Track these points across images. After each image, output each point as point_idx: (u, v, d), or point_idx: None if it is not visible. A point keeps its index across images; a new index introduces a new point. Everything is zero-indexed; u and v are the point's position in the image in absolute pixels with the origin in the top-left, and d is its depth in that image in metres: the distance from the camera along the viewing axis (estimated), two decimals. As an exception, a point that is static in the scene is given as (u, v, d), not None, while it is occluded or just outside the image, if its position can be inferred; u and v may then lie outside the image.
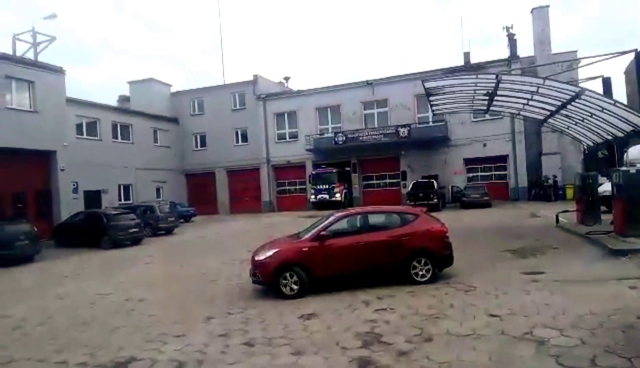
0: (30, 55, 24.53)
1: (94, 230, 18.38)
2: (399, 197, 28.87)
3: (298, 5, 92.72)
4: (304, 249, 8.35)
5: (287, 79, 40.55)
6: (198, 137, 36.72)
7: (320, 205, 28.85)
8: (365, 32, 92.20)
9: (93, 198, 26.93)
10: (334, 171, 29.91)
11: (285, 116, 33.92)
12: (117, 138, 30.40)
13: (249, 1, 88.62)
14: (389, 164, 30.78)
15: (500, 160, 28.61)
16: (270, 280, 8.30)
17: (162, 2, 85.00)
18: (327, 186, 29.30)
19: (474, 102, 15.73)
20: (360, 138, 29.79)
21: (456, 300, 7.32)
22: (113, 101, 37.14)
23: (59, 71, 23.06)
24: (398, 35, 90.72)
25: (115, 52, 78.15)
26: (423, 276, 8.45)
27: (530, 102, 13.83)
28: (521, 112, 16.53)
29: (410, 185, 26.19)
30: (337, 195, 29.08)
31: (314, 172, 30.77)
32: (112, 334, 6.70)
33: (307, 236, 8.68)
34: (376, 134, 29.49)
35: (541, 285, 8.03)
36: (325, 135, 31.82)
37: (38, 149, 21.46)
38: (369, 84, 31.02)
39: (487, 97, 14.24)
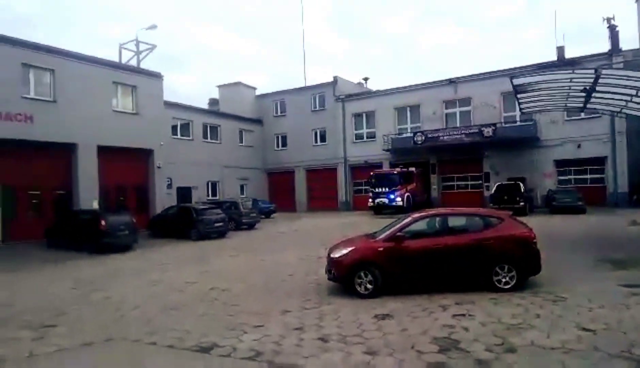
0: (134, 62, 27.11)
1: (184, 223, 19.79)
2: (481, 200, 27.53)
3: (378, 5, 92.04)
4: (379, 249, 8.30)
5: (366, 79, 40.54)
6: (279, 137, 38.03)
7: (379, 210, 27.27)
8: (448, 29, 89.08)
9: (185, 193, 29.04)
10: (395, 172, 27.80)
11: (364, 116, 33.91)
12: (207, 138, 32.52)
13: (331, 4, 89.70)
14: (470, 165, 29.46)
15: (597, 162, 26.08)
16: (345, 278, 8.37)
17: (248, 11, 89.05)
18: (388, 189, 26.96)
19: (569, 99, 14.50)
20: (441, 137, 28.84)
21: (543, 311, 6.84)
22: (204, 104, 39.76)
23: (157, 76, 25.18)
24: (484, 31, 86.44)
25: (207, 58, 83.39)
26: (506, 283, 8.00)
27: (635, 99, 12.44)
28: (623, 110, 14.91)
29: (494, 187, 24.81)
30: (398, 199, 26.50)
31: (373, 173, 28.63)
32: (198, 320, 7.18)
33: (383, 236, 8.61)
34: (458, 134, 28.36)
35: (643, 299, 7.24)
36: (404, 135, 31.28)
37: (138, 148, 23.62)
38: (451, 82, 29.96)
39: (583, 94, 13.06)
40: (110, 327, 7.03)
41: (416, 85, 31.74)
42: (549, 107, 17.40)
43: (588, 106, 14.63)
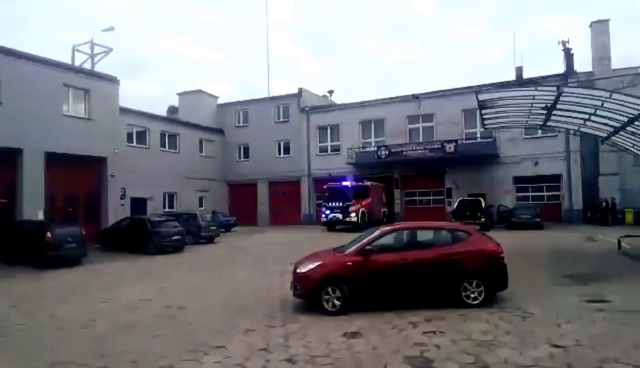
0: (88, 66, 25.82)
1: (138, 236, 18.77)
2: (443, 215, 27.92)
3: (343, 18, 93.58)
4: (348, 263, 8.02)
5: (331, 92, 40.66)
6: (242, 148, 37.27)
7: (332, 226, 26.28)
8: (411, 47, 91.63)
9: (139, 204, 27.71)
10: (349, 185, 26.67)
11: (328, 129, 33.89)
12: (164, 146, 31.30)
13: (296, 14, 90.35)
14: (433, 180, 29.94)
15: (553, 180, 27.18)
16: (311, 294, 8.01)
17: (213, 21, 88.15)
18: (341, 204, 25.59)
19: (530, 117, 14.94)
20: (404, 152, 29.19)
21: (513, 327, 6.75)
22: (163, 112, 38.48)
23: (113, 81, 24.06)
24: (445, 51, 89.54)
25: (170, 66, 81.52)
26: (475, 299, 7.90)
27: (593, 118, 12.94)
28: (581, 129, 15.54)
29: (456, 203, 25.25)
30: (352, 215, 25.16)
31: (326, 186, 27.48)
32: (154, 341, 6.59)
33: (351, 250, 8.34)
34: (421, 149, 28.80)
35: (608, 314, 7.33)
36: (368, 149, 31.46)
37: (90, 155, 22.34)
38: (415, 98, 30.49)
39: (544, 112, 13.46)
40: (56, 349, 6.35)
41: (381, 99, 32.10)
42: (511, 124, 17.92)
43: (548, 123, 15.13)
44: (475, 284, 7.92)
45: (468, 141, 28.56)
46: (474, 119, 28.75)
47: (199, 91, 37.86)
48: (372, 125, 32.35)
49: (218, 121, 37.74)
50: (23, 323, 7.80)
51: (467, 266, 7.92)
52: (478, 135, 28.57)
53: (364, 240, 8.40)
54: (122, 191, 25.48)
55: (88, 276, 13.38)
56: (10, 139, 18.52)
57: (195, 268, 14.50)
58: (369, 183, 27.64)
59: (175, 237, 19.17)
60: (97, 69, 25.83)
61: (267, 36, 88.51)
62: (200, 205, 32.95)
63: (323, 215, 26.55)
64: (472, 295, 7.91)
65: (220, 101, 39.16)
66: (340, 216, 25.63)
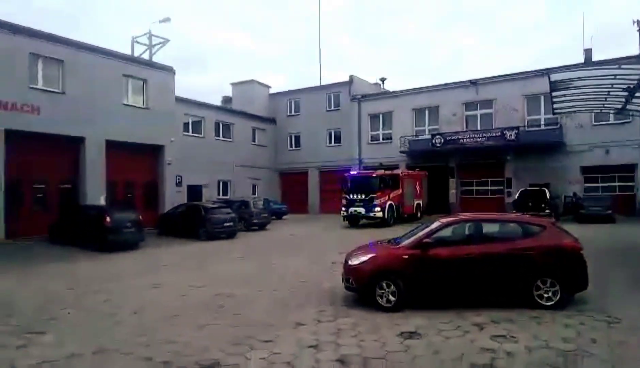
0: (147, 57, 26.51)
1: (192, 222, 19.06)
2: (502, 205, 26.37)
3: (395, 5, 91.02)
4: (403, 256, 7.40)
5: (383, 80, 39.54)
6: (293, 137, 37.24)
7: (355, 221, 23.31)
8: (465, 34, 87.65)
9: (195, 191, 28.37)
10: (373, 175, 23.27)
11: (380, 117, 32.95)
12: (219, 135, 31.87)
13: (349, 3, 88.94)
14: (492, 170, 28.28)
15: (626, 169, 24.78)
16: (364, 288, 7.48)
17: (266, 13, 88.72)
18: (365, 196, 22.42)
19: (607, 100, 13.41)
20: (461, 140, 27.75)
21: (598, 334, 5.87)
22: (218, 102, 39.17)
23: (169, 70, 24.57)
24: (502, 37, 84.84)
25: (224, 58, 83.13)
26: (549, 299, 7.05)
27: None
28: (667, 113, 13.79)
29: (518, 193, 23.66)
30: (377, 209, 21.97)
31: (347, 175, 24.18)
32: (199, 331, 6.36)
33: (407, 242, 7.72)
34: (479, 137, 27.25)
35: None
36: (421, 137, 30.26)
37: (148, 144, 23.00)
38: (472, 83, 28.87)
39: (625, 94, 11.99)
40: (103, 335, 6.25)
41: (436, 86, 30.71)
42: (584, 108, 16.27)
43: (628, 107, 13.52)
44: (549, 283, 7.05)
45: (531, 129, 26.69)
46: (538, 105, 26.87)
47: (252, 81, 38.11)
48: (426, 113, 31.04)
49: (270, 110, 37.91)
50: (76, 307, 7.88)
51: (541, 262, 7.07)
52: (542, 122, 26.61)
53: (422, 232, 7.74)
54: (178, 179, 26.12)
55: (143, 260, 13.64)
56: (73, 127, 19.34)
57: (246, 255, 14.41)
58: (399, 171, 25.17)
59: (228, 224, 19.30)
60: (155, 60, 26.47)
61: (319, 25, 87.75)
62: (253, 193, 33.29)
63: (343, 209, 23.34)
64: (546, 295, 7.06)
65: (272, 90, 39.30)
66: (362, 210, 22.45)
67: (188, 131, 29.25)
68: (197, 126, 30.13)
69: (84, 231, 16.01)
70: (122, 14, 77.19)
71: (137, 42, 26.73)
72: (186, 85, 61.83)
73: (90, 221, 16.00)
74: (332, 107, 35.15)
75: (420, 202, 26.70)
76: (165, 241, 18.24)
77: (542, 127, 26.64)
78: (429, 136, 29.31)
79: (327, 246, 15.62)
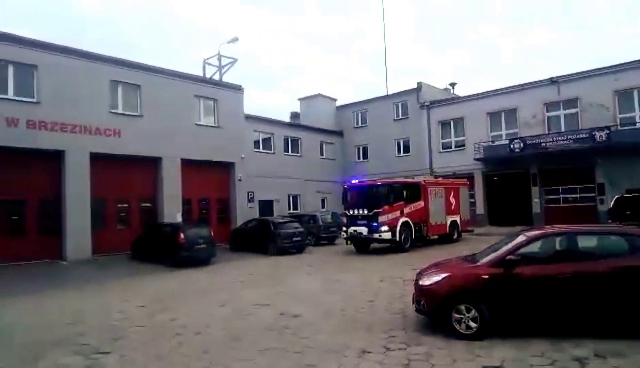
0: (217, 77, 27.61)
1: (262, 237, 19.19)
2: (593, 215, 23.77)
3: (462, 8, 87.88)
4: (483, 276, 6.56)
5: (453, 85, 37.97)
6: (360, 148, 36.80)
7: (361, 246, 18.54)
8: (537, 32, 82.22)
9: (267, 206, 28.80)
10: (379, 184, 18.07)
11: (451, 123, 31.43)
12: (288, 151, 32.26)
13: (414, 12, 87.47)
14: (579, 175, 25.65)
15: None
16: (437, 312, 6.72)
17: (331, 27, 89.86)
18: (367, 212, 17.47)
19: None
20: (542, 144, 25.48)
21: None
22: (286, 117, 39.93)
23: (238, 89, 25.31)
24: (578, 33, 78.41)
25: (288, 74, 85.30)
26: (668, 329, 5.84)
27: None
28: None
29: (613, 201, 21.11)
30: (384, 229, 16.94)
31: (346, 185, 19.33)
32: (261, 356, 6.02)
33: (487, 259, 6.86)
34: (563, 140, 24.86)
35: None
36: (498, 142, 28.33)
37: (220, 161, 23.73)
38: (553, 82, 26.58)
39: None
40: (165, 357, 6.13)
41: (511, 87, 28.69)
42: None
43: None
44: (667, 310, 5.86)
45: (624, 128, 23.89)
46: (631, 101, 24.04)
47: (318, 95, 38.35)
48: (502, 116, 29.06)
49: (337, 123, 37.84)
50: (144, 325, 7.94)
51: (655, 284, 5.91)
52: (637, 119, 23.75)
53: (505, 248, 6.84)
54: (250, 194, 26.65)
55: (213, 277, 13.78)
56: (151, 148, 20.41)
57: (314, 270, 14.07)
58: (421, 179, 20.38)
59: (297, 238, 19.19)
60: (225, 79, 27.49)
61: (384, 35, 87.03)
62: (322, 206, 33.16)
63: (344, 228, 18.90)
64: (664, 324, 5.87)
65: (339, 103, 39.27)
66: (363, 230, 17.51)
67: (258, 148, 29.96)
68: (266, 142, 30.80)
69: (160, 248, 16.64)
70: (194, 38, 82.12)
71: (208, 64, 27.95)
72: (257, 104, 63.93)
73: (166, 238, 16.61)
74: (400, 116, 34.25)
75: (457, 219, 21.24)
76: (236, 256, 18.48)
77: (638, 125, 23.75)
78: (506, 141, 27.33)
79: (399, 263, 14.84)
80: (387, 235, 16.99)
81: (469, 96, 31.60)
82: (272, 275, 13.45)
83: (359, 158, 36.73)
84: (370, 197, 17.75)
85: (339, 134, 37.30)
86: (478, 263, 6.92)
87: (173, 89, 21.58)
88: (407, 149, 33.83)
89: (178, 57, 75.28)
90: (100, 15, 74.22)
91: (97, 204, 18.94)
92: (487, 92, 29.93)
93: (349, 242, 18.52)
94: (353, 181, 19.21)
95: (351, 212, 18.23)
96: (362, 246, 18.51)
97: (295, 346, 6.40)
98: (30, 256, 16.78)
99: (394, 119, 34.45)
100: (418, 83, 33.21)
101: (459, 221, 21.24)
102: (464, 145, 30.25)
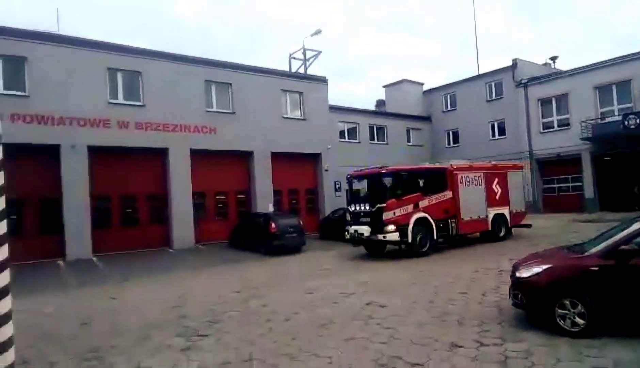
0: (302, 71, 28.17)
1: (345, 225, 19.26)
2: None
3: (568, -27, 79.37)
4: (592, 268, 5.87)
5: (553, 59, 34.55)
6: (451, 133, 35.28)
7: (373, 247, 15.34)
8: (667, -14, 71.26)
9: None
10: (383, 173, 14.45)
11: (553, 101, 28.70)
12: (373, 139, 32.09)
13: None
14: None
15: None
16: (538, 307, 6.17)
17: (417, 10, 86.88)
18: (368, 207, 14.45)
19: None
20: (665, 118, 22.30)
21: None
22: (371, 106, 39.55)
23: (322, 81, 25.56)
24: None
25: (373, 61, 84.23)
26: None
27: None
28: None
29: None
30: (390, 228, 13.58)
31: (350, 175, 16.19)
32: (345, 346, 6.01)
33: (596, 249, 6.12)
34: (694, 112, 21.53)
35: None
36: (609, 119, 25.30)
37: (307, 153, 24.25)
38: (679, 45, 23.02)
39: None
40: (255, 342, 6.40)
41: (624, 57, 25.37)
42: None
43: None
44: None
45: None
46: None
47: (404, 81, 37.41)
48: (613, 89, 25.86)
49: (424, 108, 36.66)
50: (238, 310, 8.38)
51: None
52: None
53: (618, 237, 6.05)
54: (337, 184, 26.90)
55: (303, 264, 14.16)
56: (243, 142, 21.48)
57: (402, 259, 13.76)
58: (449, 164, 16.16)
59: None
60: (310, 72, 27.96)
61: (474, 12, 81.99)
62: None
63: (347, 227, 15.55)
64: None
65: (425, 87, 37.92)
66: (365, 230, 14.27)
67: (344, 138, 30.14)
68: (352, 132, 30.86)
69: (254, 237, 17.50)
70: (280, 34, 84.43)
71: (294, 58, 28.59)
72: (341, 92, 64.09)
73: (259, 227, 17.41)
74: (494, 97, 32.15)
75: (506, 211, 17.24)
76: (324, 245, 18.80)
77: None
78: (619, 117, 24.34)
79: (492, 252, 13.99)
80: (394, 236, 13.62)
81: (573, 70, 28.57)
82: (358, 264, 13.46)
83: (449, 144, 35.29)
84: (374, 189, 14.94)
85: (427, 119, 36.10)
86: (585, 254, 6.22)
87: (261, 85, 22.42)
88: (502, 131, 31.73)
89: (265, 54, 78.11)
90: (190, 18, 79.46)
91: (198, 197, 20.46)
92: (595, 64, 26.85)
93: (354, 244, 15.24)
94: (355, 171, 16.14)
95: (353, 208, 15.20)
96: (376, 248, 15.26)
97: (381, 336, 6.30)
98: (144, 245, 18.65)
99: (487, 100, 32.45)
100: (513, 60, 30.89)
101: (507, 215, 17.25)
102: (568, 124, 27.55)
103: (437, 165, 16.68)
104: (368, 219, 14.28)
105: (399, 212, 13.81)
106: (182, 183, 19.67)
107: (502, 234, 16.82)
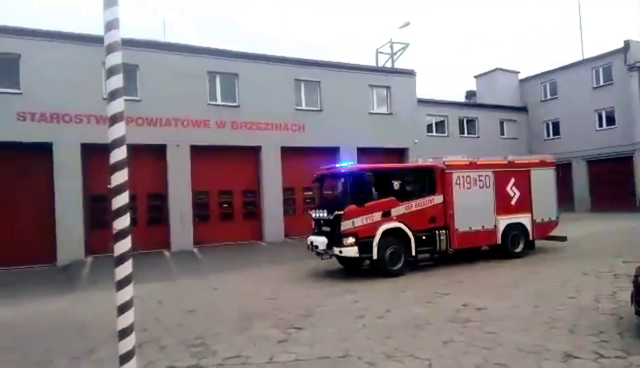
0: (389, 65, 27.77)
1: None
2: None
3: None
4: None
5: (676, 36, 30.41)
6: (550, 124, 32.63)
7: (347, 262, 12.37)
8: None
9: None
10: (343, 172, 12.09)
11: (676, 85, 25.32)
12: (463, 132, 30.87)
13: (616, -45, 72.65)
14: None
15: None
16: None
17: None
18: (326, 214, 11.69)
19: None
20: None
21: None
22: (461, 98, 37.92)
23: (410, 74, 24.97)
24: None
25: (464, 51, 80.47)
26: None
27: None
28: None
29: None
30: (348, 241, 10.88)
31: (316, 175, 13.45)
32: (443, 348, 5.81)
33: None
34: None
35: None
36: None
37: (393, 148, 23.86)
38: None
39: None
40: (349, 338, 6.44)
41: None
42: None
43: None
44: None
45: None
46: None
47: (496, 70, 35.30)
48: None
49: (520, 98, 34.35)
50: (330, 305, 8.50)
51: None
52: None
53: None
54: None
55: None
56: (330, 139, 21.70)
57: (504, 258, 12.99)
58: (442, 161, 12.66)
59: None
60: (397, 65, 27.47)
61: (578, -10, 74.51)
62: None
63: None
64: None
65: (521, 76, 35.44)
66: (321, 241, 11.56)
67: (431, 132, 29.27)
68: (440, 125, 29.88)
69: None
70: (367, 27, 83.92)
71: (381, 53, 28.28)
72: (430, 84, 62.15)
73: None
74: (601, 83, 29.17)
75: (526, 220, 13.43)
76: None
77: None
78: None
79: (603, 252, 12.72)
80: (351, 251, 10.92)
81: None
82: (449, 263, 13.00)
83: (548, 136, 32.76)
84: (334, 193, 12.59)
85: (523, 110, 33.77)
86: None
87: (348, 81, 22.48)
88: (611, 121, 28.69)
89: (352, 49, 78.19)
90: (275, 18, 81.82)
91: (287, 193, 21.17)
92: None
93: (319, 256, 11.95)
94: (321, 171, 13.22)
95: (315, 214, 12.36)
96: (349, 263, 12.38)
97: (481, 341, 6.00)
98: (237, 238, 19.71)
99: (593, 87, 29.53)
100: (625, 41, 27.64)
101: (529, 224, 13.43)
102: (694, 111, 24.09)
103: (424, 162, 13.73)
104: (328, 229, 11.59)
105: (359, 222, 11.02)
106: (273, 179, 20.45)
107: (518, 249, 13.24)
